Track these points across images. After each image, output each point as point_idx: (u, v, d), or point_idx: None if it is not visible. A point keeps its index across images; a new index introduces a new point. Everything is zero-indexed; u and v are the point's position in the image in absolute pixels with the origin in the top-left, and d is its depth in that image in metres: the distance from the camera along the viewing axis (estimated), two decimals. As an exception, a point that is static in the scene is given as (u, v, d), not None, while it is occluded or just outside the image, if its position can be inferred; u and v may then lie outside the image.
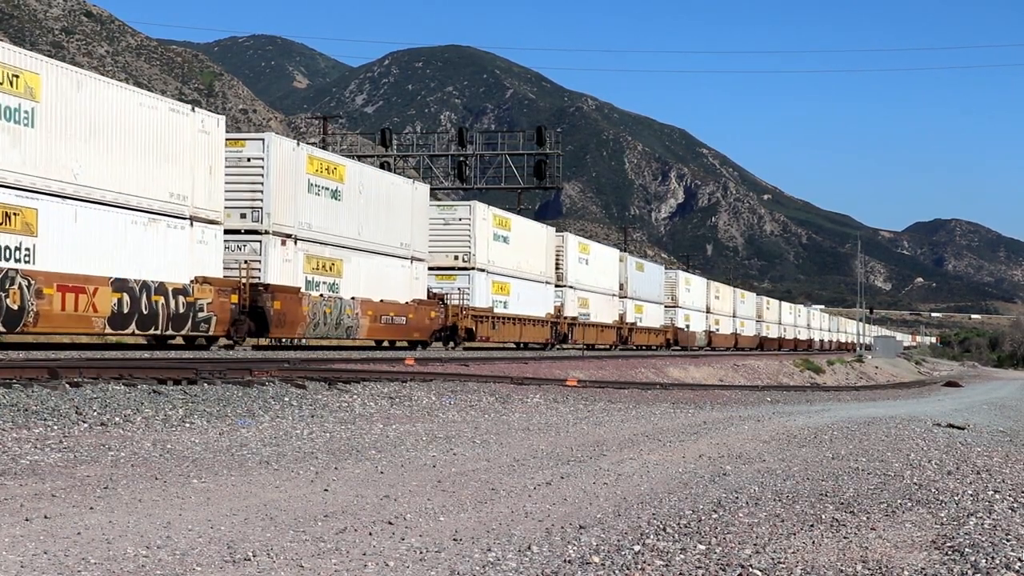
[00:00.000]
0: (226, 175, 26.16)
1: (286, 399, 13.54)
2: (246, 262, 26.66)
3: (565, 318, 49.78)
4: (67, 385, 12.13)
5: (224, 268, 25.83)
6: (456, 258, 39.72)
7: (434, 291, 37.23)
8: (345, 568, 5.00)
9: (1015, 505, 7.35)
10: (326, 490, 7.17)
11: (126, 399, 11.76)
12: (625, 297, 60.50)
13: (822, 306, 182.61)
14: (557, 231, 52.93)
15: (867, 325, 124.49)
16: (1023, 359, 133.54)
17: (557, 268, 49.42)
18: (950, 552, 5.68)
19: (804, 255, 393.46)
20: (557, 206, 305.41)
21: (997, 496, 7.77)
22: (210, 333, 25.16)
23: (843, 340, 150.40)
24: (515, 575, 5.02)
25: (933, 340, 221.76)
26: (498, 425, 12.93)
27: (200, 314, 24.46)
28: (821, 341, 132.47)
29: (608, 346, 56.30)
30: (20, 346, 22.41)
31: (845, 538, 6.03)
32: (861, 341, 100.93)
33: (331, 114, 70.30)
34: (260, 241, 27.18)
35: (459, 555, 5.33)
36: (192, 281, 24.27)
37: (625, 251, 76.84)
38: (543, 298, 47.17)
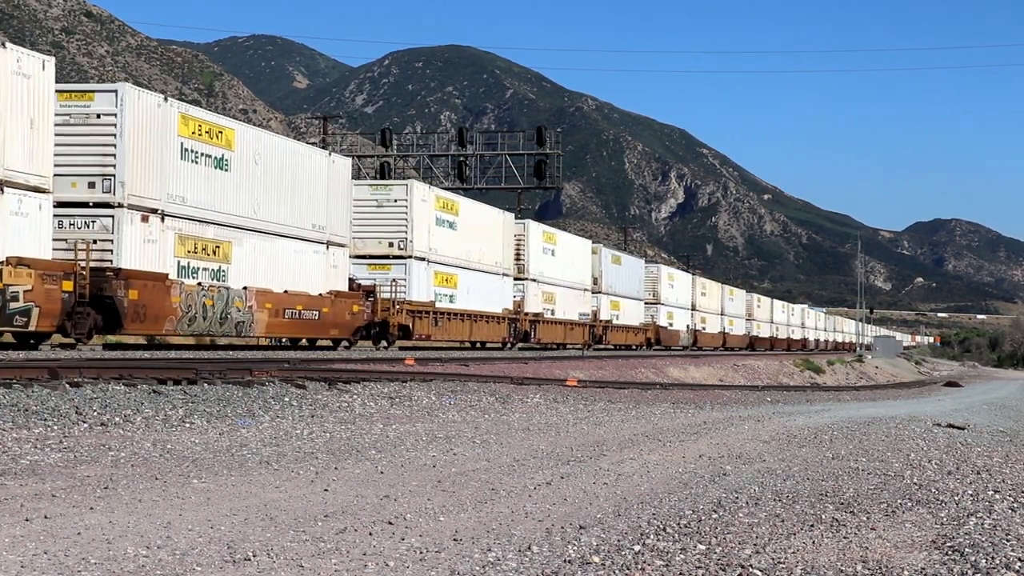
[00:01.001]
0: (70, 135, 22.20)
1: (286, 399, 13.54)
2: (94, 241, 22.32)
3: (526, 314, 45.24)
4: (67, 385, 12.13)
5: (64, 250, 21.78)
6: (391, 245, 35.10)
7: (364, 282, 33.36)
8: (345, 568, 5.00)
9: (1015, 505, 7.35)
10: (326, 490, 7.17)
11: (126, 399, 11.76)
12: (599, 292, 55.99)
13: (825, 308, 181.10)
14: (548, 225, 51.21)
15: (867, 325, 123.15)
16: (1023, 359, 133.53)
17: (518, 259, 45.09)
18: (950, 552, 5.68)
19: (804, 255, 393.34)
20: (557, 206, 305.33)
21: (997, 496, 7.77)
22: (31, 329, 20.37)
23: (840, 340, 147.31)
24: (515, 575, 5.02)
25: (931, 340, 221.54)
26: (498, 425, 12.93)
27: (14, 304, 19.63)
28: (816, 341, 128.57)
29: (579, 346, 52.02)
30: None
31: (845, 538, 6.03)
32: (861, 341, 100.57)
33: (331, 114, 70.34)
34: (112, 216, 22.70)
35: (459, 555, 5.33)
36: (3, 263, 19.52)
37: (625, 251, 75.69)
38: (500, 292, 42.51)
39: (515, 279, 44.62)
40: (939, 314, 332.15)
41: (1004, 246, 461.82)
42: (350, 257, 32.95)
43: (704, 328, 78.61)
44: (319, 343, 32.38)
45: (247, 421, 11.52)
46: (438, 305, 37.17)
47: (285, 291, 28.27)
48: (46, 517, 5.85)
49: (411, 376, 18.49)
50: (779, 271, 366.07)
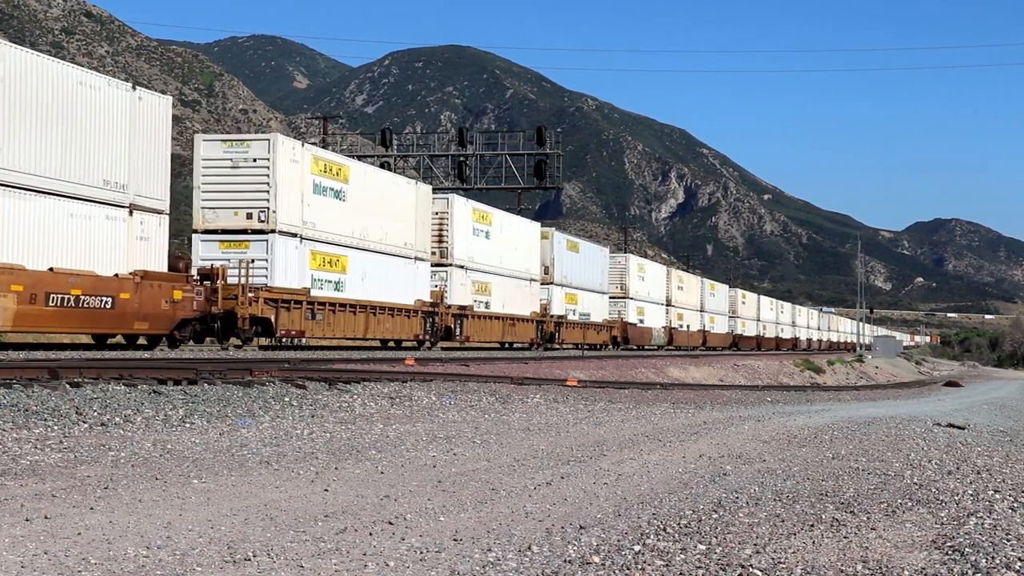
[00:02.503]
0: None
1: (286, 399, 13.54)
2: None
3: (449, 307, 37.78)
4: (67, 385, 12.13)
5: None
6: (249, 216, 27.93)
7: (210, 264, 26.81)
8: (345, 568, 5.00)
9: (1015, 505, 7.34)
10: (326, 490, 7.17)
11: (126, 399, 11.76)
12: (551, 283, 48.79)
13: (832, 309, 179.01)
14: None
15: (867, 325, 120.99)
16: (1023, 359, 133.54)
17: (440, 241, 38.09)
18: (950, 552, 5.67)
19: (804, 255, 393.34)
20: (557, 206, 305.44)
21: (997, 496, 7.77)
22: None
23: (835, 340, 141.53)
24: (515, 575, 5.02)
25: (928, 340, 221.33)
26: (498, 425, 12.93)
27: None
28: (809, 340, 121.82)
29: (526, 344, 45.91)
30: None
31: (845, 538, 6.03)
32: (861, 341, 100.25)
33: (331, 114, 70.30)
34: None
35: (459, 555, 5.33)
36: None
37: (625, 251, 74.21)
38: (411, 280, 35.13)
39: (435, 265, 37.36)
40: (948, 314, 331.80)
41: (1004, 246, 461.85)
42: (199, 233, 27.95)
43: (682, 326, 72.07)
44: (120, 342, 25.57)
45: (247, 421, 11.52)
46: (317, 293, 29.59)
47: (52, 269, 21.13)
48: (46, 517, 5.85)
49: (411, 376, 18.50)
50: (779, 271, 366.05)
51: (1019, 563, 5.40)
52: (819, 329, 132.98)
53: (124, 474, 7.56)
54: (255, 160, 27.99)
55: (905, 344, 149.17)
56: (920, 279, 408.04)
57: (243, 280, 26.58)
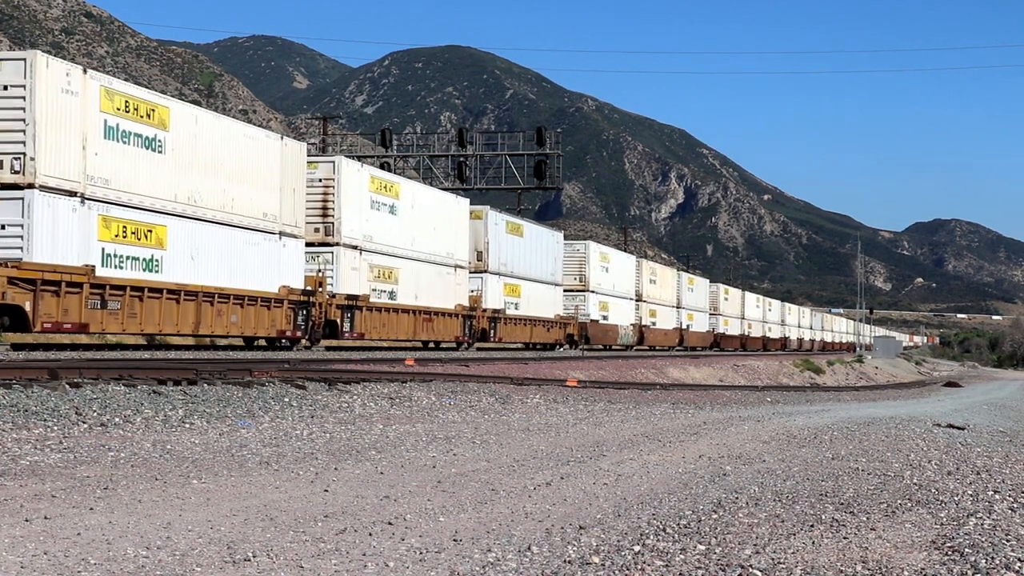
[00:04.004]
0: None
1: (286, 400, 13.54)
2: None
3: (333, 297, 30.63)
4: (67, 385, 12.12)
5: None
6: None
7: None
8: (345, 568, 5.00)
9: (1015, 505, 7.34)
10: (326, 491, 7.17)
11: (126, 400, 11.76)
12: (485, 271, 41.04)
13: (838, 310, 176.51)
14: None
15: (866, 325, 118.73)
16: (1023, 359, 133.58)
17: (324, 216, 30.87)
18: (950, 552, 5.67)
19: (804, 255, 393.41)
20: (557, 206, 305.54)
21: (997, 496, 7.77)
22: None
23: (829, 340, 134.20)
24: (515, 575, 5.02)
25: (925, 340, 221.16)
26: (498, 426, 12.93)
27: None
28: (800, 340, 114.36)
29: (452, 343, 38.68)
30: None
31: (845, 538, 6.03)
32: (861, 341, 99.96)
33: (331, 115, 70.27)
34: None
35: (459, 555, 5.33)
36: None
37: (625, 252, 69.34)
38: (273, 261, 28.06)
39: (319, 245, 30.85)
40: (958, 315, 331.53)
41: (1004, 246, 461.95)
42: None
43: (654, 323, 64.48)
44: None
45: (247, 422, 11.52)
46: (103, 273, 22.07)
47: None
48: (46, 518, 5.85)
49: (411, 376, 18.50)
50: (779, 271, 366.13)
51: (1019, 563, 5.40)
52: (811, 328, 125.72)
53: (124, 474, 7.56)
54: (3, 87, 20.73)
55: (905, 345, 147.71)
56: (920, 279, 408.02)
57: None
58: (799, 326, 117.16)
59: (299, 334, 29.16)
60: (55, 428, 9.85)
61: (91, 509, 6.18)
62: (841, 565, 5.35)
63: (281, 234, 28.57)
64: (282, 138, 29.51)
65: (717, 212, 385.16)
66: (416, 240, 35.47)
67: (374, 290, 32.87)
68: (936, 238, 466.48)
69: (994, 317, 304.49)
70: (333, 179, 31.11)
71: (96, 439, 9.40)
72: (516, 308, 43.95)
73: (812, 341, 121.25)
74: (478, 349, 39.39)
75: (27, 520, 5.77)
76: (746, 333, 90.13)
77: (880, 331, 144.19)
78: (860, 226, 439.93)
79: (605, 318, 55.40)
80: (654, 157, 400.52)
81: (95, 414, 10.71)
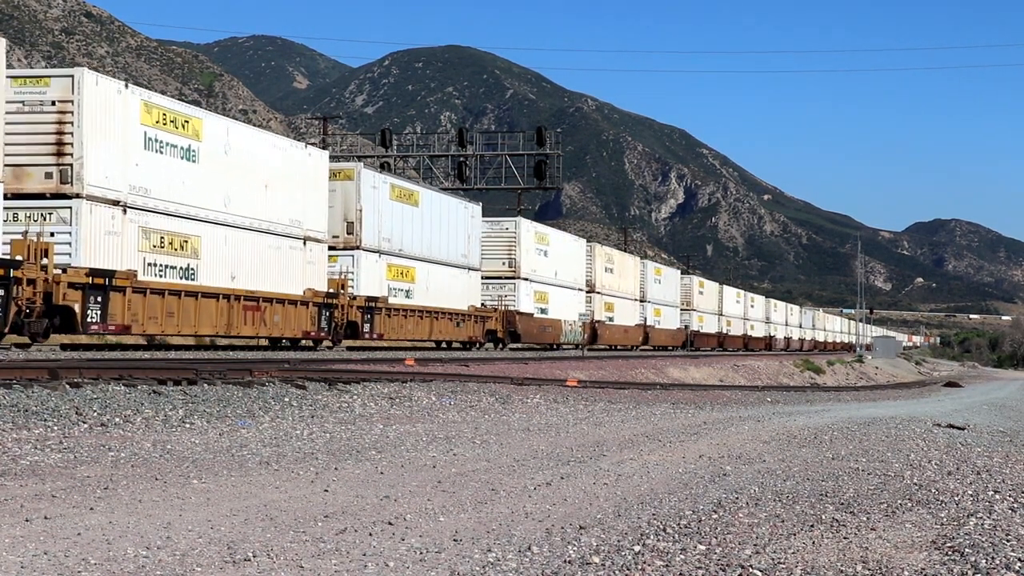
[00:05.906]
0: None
1: (286, 399, 13.53)
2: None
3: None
4: (67, 385, 12.12)
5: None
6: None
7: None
8: (345, 568, 5.00)
9: (1015, 505, 7.34)
10: (326, 490, 7.17)
11: (126, 400, 11.76)
12: (357, 248, 32.14)
13: (845, 311, 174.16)
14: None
15: (866, 325, 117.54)
16: (1023, 359, 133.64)
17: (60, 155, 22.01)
18: (950, 552, 5.67)
19: (804, 255, 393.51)
20: (557, 206, 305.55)
21: (997, 496, 7.77)
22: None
23: (821, 339, 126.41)
24: (515, 575, 5.02)
25: (922, 340, 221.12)
26: (498, 425, 12.94)
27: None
28: (787, 339, 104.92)
29: (298, 340, 29.61)
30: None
31: (845, 538, 6.03)
32: (861, 341, 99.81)
33: (331, 115, 70.20)
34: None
35: (459, 555, 5.33)
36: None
37: (625, 252, 67.92)
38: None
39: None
40: (970, 316, 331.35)
41: (1004, 246, 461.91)
42: None
43: (612, 319, 56.04)
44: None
45: (247, 422, 11.52)
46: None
47: None
48: (46, 518, 5.85)
49: (411, 376, 18.49)
50: (779, 272, 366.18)
51: (1019, 563, 5.40)
52: (800, 327, 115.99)
53: (124, 474, 7.56)
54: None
55: (905, 345, 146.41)
56: (920, 279, 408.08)
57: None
58: (787, 324, 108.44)
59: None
60: (55, 428, 9.85)
61: (91, 509, 6.18)
62: (841, 565, 5.35)
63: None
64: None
65: (717, 212, 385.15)
66: (272, 208, 27.98)
67: (161, 265, 24.64)
68: (936, 238, 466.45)
69: (1003, 317, 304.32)
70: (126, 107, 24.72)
71: (96, 439, 9.40)
72: (408, 296, 35.05)
73: (802, 340, 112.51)
74: (349, 349, 31.23)
75: (27, 520, 5.77)
76: (724, 331, 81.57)
77: (880, 331, 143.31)
78: (860, 226, 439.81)
79: (543, 311, 46.32)
80: (654, 157, 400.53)
81: (95, 414, 10.71)
